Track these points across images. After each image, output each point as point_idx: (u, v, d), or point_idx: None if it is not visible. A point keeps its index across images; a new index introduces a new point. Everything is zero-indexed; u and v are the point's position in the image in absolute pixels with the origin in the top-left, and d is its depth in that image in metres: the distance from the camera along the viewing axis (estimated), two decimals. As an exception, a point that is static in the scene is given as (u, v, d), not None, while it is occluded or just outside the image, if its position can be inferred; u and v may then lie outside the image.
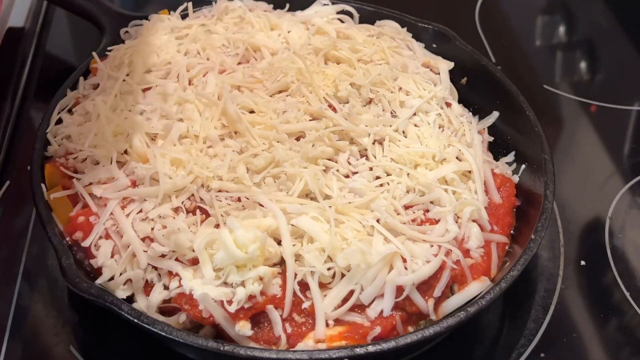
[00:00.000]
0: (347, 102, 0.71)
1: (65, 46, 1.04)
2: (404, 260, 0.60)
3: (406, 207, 0.64)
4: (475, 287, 0.62)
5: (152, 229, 0.61)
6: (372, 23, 0.85)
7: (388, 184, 0.65)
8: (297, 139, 0.67)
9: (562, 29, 1.11)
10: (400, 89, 0.74)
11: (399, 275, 0.59)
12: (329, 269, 0.58)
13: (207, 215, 0.62)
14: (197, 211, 0.62)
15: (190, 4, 0.84)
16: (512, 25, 1.11)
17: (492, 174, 0.71)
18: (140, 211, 0.62)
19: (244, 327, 0.57)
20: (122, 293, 0.61)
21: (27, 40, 1.00)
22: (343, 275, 0.59)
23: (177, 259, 0.60)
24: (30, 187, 0.66)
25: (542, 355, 0.68)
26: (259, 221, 0.60)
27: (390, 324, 0.59)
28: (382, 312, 0.59)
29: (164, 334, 0.56)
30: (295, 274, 0.58)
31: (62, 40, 1.04)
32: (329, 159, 0.66)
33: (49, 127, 0.70)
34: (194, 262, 0.60)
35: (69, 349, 0.67)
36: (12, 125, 0.87)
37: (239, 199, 0.62)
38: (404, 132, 0.70)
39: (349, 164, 0.67)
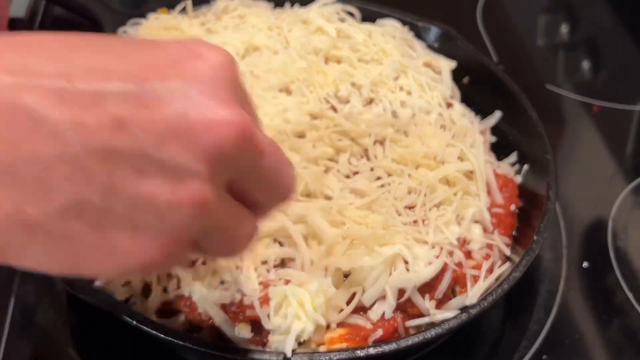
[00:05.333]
0: (348, 102, 0.71)
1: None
2: (406, 262, 0.59)
3: (407, 208, 0.64)
4: (477, 289, 0.62)
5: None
6: (373, 22, 0.85)
7: (389, 184, 0.65)
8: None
9: (564, 29, 1.11)
10: (401, 88, 0.74)
11: (400, 277, 0.59)
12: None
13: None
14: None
15: (189, 3, 0.83)
16: (514, 25, 1.11)
17: (494, 175, 0.71)
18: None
19: (243, 330, 0.57)
20: (120, 295, 0.60)
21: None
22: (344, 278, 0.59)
23: (176, 261, 0.59)
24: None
25: (544, 357, 0.67)
26: (265, 225, 0.59)
27: (392, 326, 0.58)
28: (383, 314, 0.59)
29: (162, 336, 0.56)
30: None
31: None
32: (330, 159, 0.66)
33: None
34: (193, 264, 0.59)
35: (68, 350, 0.67)
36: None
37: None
38: (405, 132, 0.70)
39: (350, 164, 0.66)
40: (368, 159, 0.67)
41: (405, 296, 0.59)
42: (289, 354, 0.54)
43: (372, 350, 0.55)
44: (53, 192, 0.32)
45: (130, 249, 0.34)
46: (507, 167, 0.74)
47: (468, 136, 0.72)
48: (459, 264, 0.62)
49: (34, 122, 0.31)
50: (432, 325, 0.59)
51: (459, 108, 0.77)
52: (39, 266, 0.35)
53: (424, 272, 0.60)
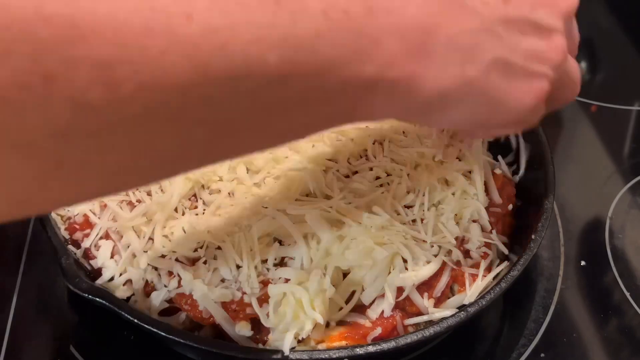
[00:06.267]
0: (347, 102, 0.71)
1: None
2: (405, 261, 0.60)
3: (406, 208, 0.64)
4: (475, 287, 0.62)
5: (153, 229, 0.61)
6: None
7: (388, 184, 0.65)
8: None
9: (562, 29, 1.11)
10: (400, 89, 0.74)
11: (399, 275, 0.59)
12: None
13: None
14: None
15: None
16: (513, 25, 1.11)
17: (492, 174, 0.71)
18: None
19: (244, 328, 0.57)
20: (122, 293, 0.61)
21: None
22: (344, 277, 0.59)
23: (177, 260, 0.60)
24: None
25: (542, 355, 0.68)
26: (265, 224, 0.60)
27: (391, 324, 0.59)
28: (382, 312, 0.59)
29: (164, 334, 0.56)
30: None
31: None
32: (329, 159, 0.66)
33: (49, 127, 0.70)
34: (194, 262, 0.60)
35: (69, 349, 0.67)
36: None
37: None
38: (404, 132, 0.70)
39: (349, 163, 0.67)
40: (367, 158, 0.67)
41: (404, 295, 0.59)
42: (287, 352, 0.55)
43: (371, 348, 0.55)
44: (482, 53, 0.43)
45: (525, 91, 0.46)
46: (505, 166, 0.75)
47: (466, 136, 0.73)
48: (458, 263, 0.62)
49: (461, 5, 0.42)
50: (430, 323, 0.59)
51: (457, 108, 0.77)
52: (458, 123, 0.48)
53: (423, 270, 0.60)
